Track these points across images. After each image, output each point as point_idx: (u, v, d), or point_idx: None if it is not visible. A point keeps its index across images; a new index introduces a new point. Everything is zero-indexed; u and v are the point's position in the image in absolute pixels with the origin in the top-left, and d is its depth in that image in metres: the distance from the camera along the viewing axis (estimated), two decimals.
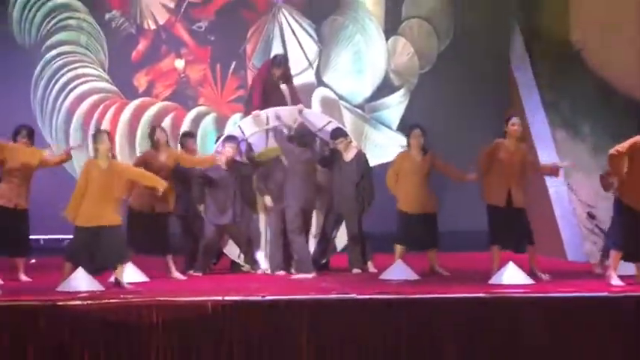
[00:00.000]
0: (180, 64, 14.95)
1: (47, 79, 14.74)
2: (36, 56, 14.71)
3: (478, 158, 10.71)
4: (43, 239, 13.37)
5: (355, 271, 11.51)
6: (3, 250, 10.80)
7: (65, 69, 14.78)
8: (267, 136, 11.70)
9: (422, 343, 8.76)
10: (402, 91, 15.18)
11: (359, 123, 15.04)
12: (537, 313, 8.88)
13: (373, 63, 15.18)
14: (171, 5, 14.92)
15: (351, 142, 11.74)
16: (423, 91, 15.09)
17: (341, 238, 11.75)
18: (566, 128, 14.47)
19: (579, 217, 13.50)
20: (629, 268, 10.12)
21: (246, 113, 11.93)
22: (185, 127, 14.76)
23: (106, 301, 8.71)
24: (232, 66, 14.93)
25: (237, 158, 11.46)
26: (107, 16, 14.81)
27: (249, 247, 11.60)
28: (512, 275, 10.02)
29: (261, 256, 11.70)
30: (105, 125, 14.65)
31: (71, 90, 14.77)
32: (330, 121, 11.91)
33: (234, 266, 11.73)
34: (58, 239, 12.98)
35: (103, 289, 9.54)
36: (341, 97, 15.12)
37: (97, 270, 9.78)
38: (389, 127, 14.94)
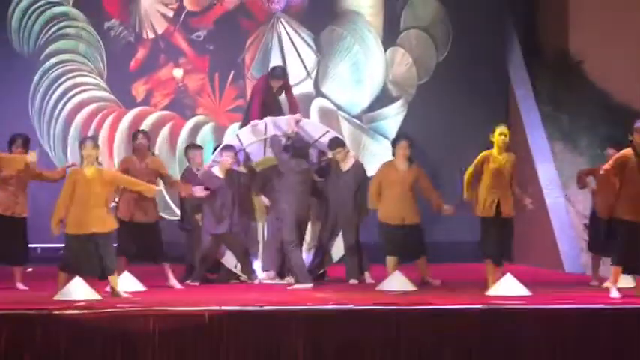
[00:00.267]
0: (178, 73, 14.96)
1: (46, 87, 14.74)
2: (34, 65, 14.71)
3: (464, 179, 10.60)
4: (41, 248, 13.34)
5: (352, 281, 11.51)
6: (0, 258, 10.81)
7: (64, 77, 14.78)
8: (265, 145, 11.70)
9: (419, 354, 8.74)
10: (400, 102, 15.19)
11: (357, 133, 15.05)
12: (535, 324, 8.87)
13: (371, 73, 15.19)
14: (170, 14, 14.93)
15: (348, 152, 11.74)
16: (421, 101, 15.10)
17: (338, 248, 11.75)
18: (564, 141, 14.50)
19: (576, 229, 13.52)
20: (628, 281, 10.12)
21: (245, 123, 11.93)
22: (183, 136, 14.77)
23: (103, 310, 8.69)
24: (231, 75, 14.93)
25: (235, 168, 11.47)
26: (106, 25, 14.82)
27: (246, 256, 11.59)
28: (509, 286, 10.02)
29: (258, 266, 11.70)
30: (103, 134, 14.66)
31: (69, 99, 14.77)
32: (327, 131, 11.91)
33: (230, 276, 11.70)
34: (56, 248, 12.95)
35: (100, 298, 9.52)
36: (339, 108, 15.13)
37: (93, 276, 9.78)
38: (387, 138, 14.93)
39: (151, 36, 14.89)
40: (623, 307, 9.17)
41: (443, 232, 14.62)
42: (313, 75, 15.14)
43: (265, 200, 11.54)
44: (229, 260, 11.64)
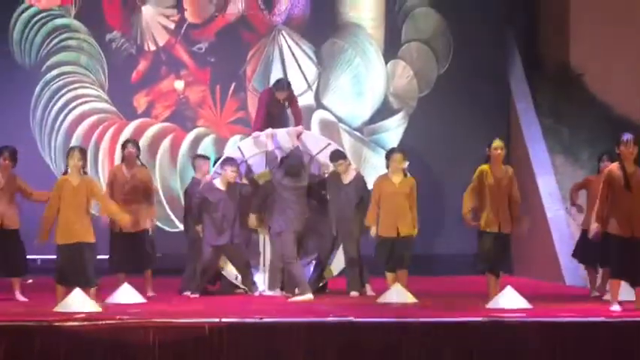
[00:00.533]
0: (179, 85, 14.97)
1: (47, 99, 14.75)
2: (36, 76, 14.72)
3: (464, 197, 10.57)
4: (40, 259, 13.33)
5: (353, 294, 11.49)
6: None
7: (65, 89, 14.79)
8: (267, 157, 11.70)
9: None
10: (401, 114, 15.19)
11: (358, 146, 15.05)
12: (535, 336, 8.85)
13: (372, 86, 15.20)
14: (172, 26, 14.95)
15: (350, 164, 11.74)
16: (422, 114, 15.10)
17: (339, 261, 11.74)
18: (565, 154, 14.50)
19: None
20: (629, 294, 10.10)
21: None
22: (184, 148, 14.77)
23: (103, 322, 8.67)
24: (232, 87, 14.94)
25: (237, 180, 11.46)
26: (108, 37, 14.83)
27: (247, 268, 11.57)
28: (510, 299, 10.00)
29: (259, 278, 11.68)
30: (104, 146, 14.67)
31: (71, 110, 14.78)
32: (329, 144, 11.91)
33: (231, 288, 11.69)
34: (55, 259, 12.94)
35: (100, 310, 9.51)
36: (340, 120, 15.13)
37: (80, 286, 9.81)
38: None
39: (153, 48, 14.91)
40: (624, 320, 9.15)
41: (444, 245, 14.64)
42: (314, 87, 15.15)
43: (252, 221, 11.56)
44: (230, 272, 11.63)
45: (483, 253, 10.46)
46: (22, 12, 14.76)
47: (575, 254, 11.72)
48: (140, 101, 14.87)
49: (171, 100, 14.95)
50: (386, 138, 15.07)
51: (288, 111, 12.18)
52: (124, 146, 11.54)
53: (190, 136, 14.89)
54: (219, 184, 11.35)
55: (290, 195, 11.22)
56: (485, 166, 10.47)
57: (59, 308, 9.45)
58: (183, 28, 14.94)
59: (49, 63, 14.78)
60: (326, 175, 11.74)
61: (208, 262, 11.35)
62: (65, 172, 10.10)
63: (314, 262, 11.76)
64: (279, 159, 11.44)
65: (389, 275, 11.12)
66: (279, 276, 11.53)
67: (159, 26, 14.93)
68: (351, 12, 15.24)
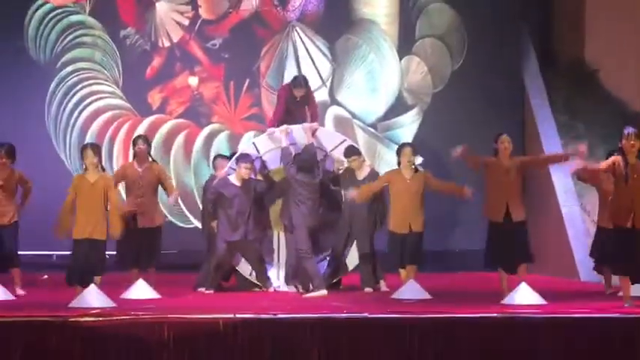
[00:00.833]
0: (194, 81, 14.98)
1: (62, 95, 14.78)
2: (51, 73, 14.75)
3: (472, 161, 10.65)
4: (56, 255, 13.38)
5: (367, 290, 11.50)
6: None
7: (79, 86, 14.82)
8: (282, 153, 11.70)
9: None
10: (415, 110, 15.17)
11: (372, 142, 15.04)
12: (550, 333, 8.84)
13: (387, 82, 15.18)
14: (186, 23, 14.95)
15: (364, 160, 11.74)
16: (436, 110, 15.08)
17: (353, 257, 11.74)
18: None
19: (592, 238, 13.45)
20: None
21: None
22: (198, 144, 14.79)
23: (118, 317, 8.70)
24: (246, 84, 14.94)
25: (252, 176, 11.47)
26: (122, 33, 14.85)
27: (261, 264, 11.58)
28: (524, 295, 9.99)
29: (273, 274, 11.69)
30: (118, 142, 14.68)
31: (85, 107, 14.80)
32: (344, 140, 11.91)
33: (246, 285, 11.69)
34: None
35: (115, 305, 9.54)
36: (354, 116, 15.12)
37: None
38: None
39: (167, 44, 14.92)
40: (638, 316, 9.12)
41: (457, 240, 14.62)
42: (328, 83, 15.14)
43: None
44: (244, 268, 11.64)
45: (489, 249, 10.48)
46: (37, 9, 14.79)
47: (592, 254, 11.67)
48: (154, 97, 14.89)
49: (186, 96, 14.96)
50: (400, 134, 15.05)
51: (306, 109, 12.17)
52: (134, 143, 11.57)
53: (204, 132, 14.90)
54: (234, 179, 11.36)
55: (304, 190, 11.23)
56: (492, 159, 10.52)
57: (74, 304, 9.48)
58: (198, 24, 14.95)
59: (64, 59, 14.80)
60: (340, 172, 11.74)
61: (222, 258, 11.37)
62: (86, 169, 10.22)
63: (328, 258, 11.76)
64: (293, 155, 11.45)
65: (402, 272, 11.12)
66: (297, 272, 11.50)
67: (173, 22, 14.95)
68: (365, 8, 15.22)
